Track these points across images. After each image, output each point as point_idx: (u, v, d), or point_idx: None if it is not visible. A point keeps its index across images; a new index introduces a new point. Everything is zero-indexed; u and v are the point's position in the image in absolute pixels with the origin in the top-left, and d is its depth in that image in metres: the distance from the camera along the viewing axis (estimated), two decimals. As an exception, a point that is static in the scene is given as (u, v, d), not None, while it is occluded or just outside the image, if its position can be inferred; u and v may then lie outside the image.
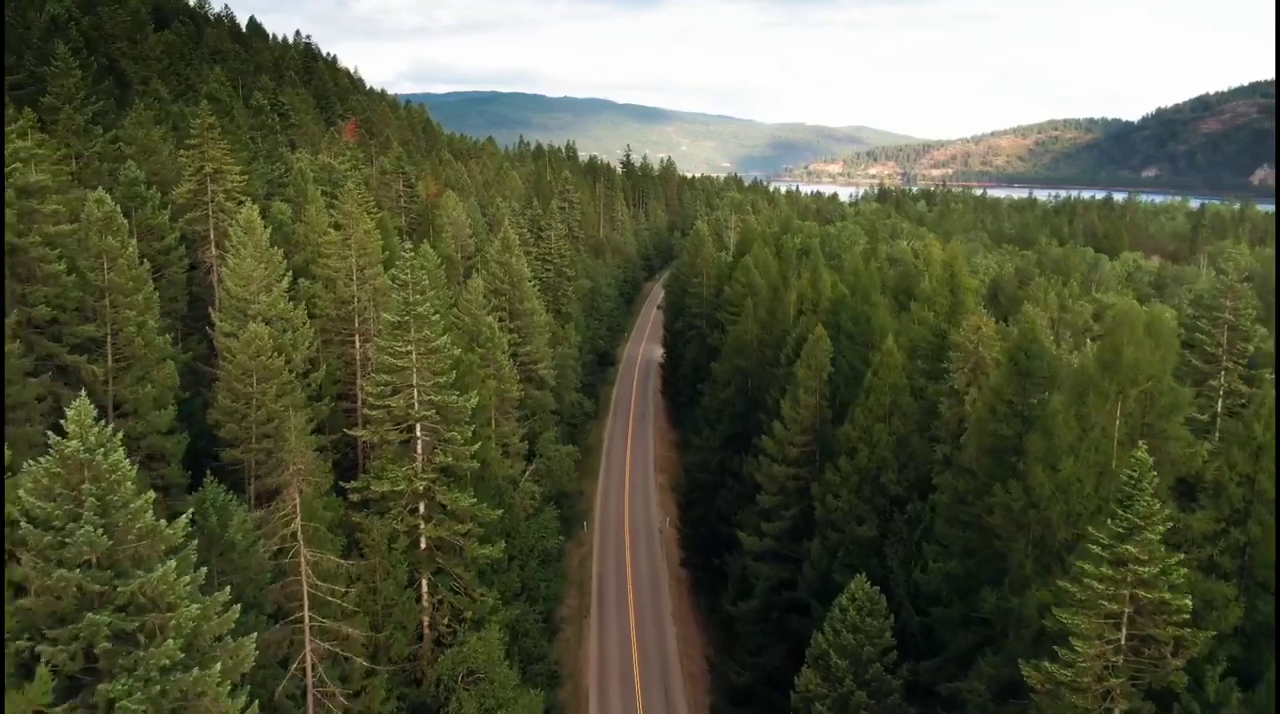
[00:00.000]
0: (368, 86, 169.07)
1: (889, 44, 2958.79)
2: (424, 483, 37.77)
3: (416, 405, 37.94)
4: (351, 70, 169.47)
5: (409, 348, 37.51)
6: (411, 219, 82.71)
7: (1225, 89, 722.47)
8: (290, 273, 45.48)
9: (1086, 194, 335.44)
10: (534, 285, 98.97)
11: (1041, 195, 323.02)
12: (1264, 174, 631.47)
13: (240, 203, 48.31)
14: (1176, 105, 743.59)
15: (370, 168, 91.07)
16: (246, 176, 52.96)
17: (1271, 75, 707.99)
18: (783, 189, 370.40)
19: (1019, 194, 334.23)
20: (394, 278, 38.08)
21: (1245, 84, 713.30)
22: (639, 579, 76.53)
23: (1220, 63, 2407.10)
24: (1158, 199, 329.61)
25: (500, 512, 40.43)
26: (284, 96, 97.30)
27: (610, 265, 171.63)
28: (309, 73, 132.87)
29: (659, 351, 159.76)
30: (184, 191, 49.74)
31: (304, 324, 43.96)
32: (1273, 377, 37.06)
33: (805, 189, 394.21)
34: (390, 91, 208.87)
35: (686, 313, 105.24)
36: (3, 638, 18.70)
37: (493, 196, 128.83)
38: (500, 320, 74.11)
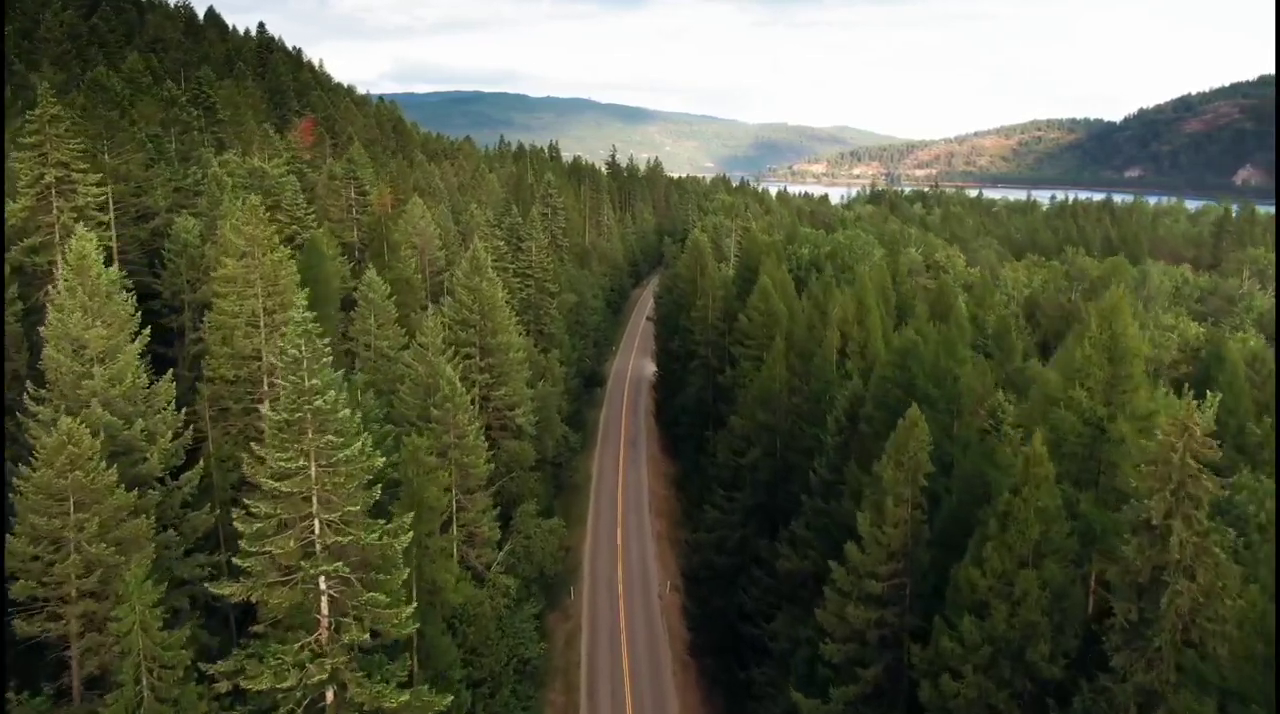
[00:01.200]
0: (334, 81, 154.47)
1: (873, 44, 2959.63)
2: (329, 669, 24.06)
3: (317, 549, 24.20)
4: (316, 64, 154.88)
5: (304, 461, 23.76)
6: (364, 233, 68.65)
7: (1207, 89, 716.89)
8: (140, 332, 31.31)
9: (1082, 195, 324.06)
10: (511, 308, 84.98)
11: (1032, 196, 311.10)
12: (1246, 174, 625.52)
13: (96, 223, 34.11)
14: (1158, 106, 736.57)
15: (320, 172, 76.81)
16: (105, 188, 38.68)
17: (1252, 76, 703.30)
18: (771, 190, 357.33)
19: (1015, 195, 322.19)
20: (284, 353, 24.14)
21: (1226, 85, 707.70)
22: (637, 666, 62.93)
23: (1204, 64, 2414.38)
24: (1151, 201, 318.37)
25: (450, 699, 26.60)
26: (220, 90, 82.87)
27: (596, 274, 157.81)
28: (264, 65, 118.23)
29: (650, 366, 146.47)
30: (19, 209, 35.61)
31: (168, 406, 29.93)
32: None
33: (792, 189, 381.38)
34: (373, 91, 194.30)
35: (685, 335, 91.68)
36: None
37: (468, 202, 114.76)
38: (468, 357, 60.26)
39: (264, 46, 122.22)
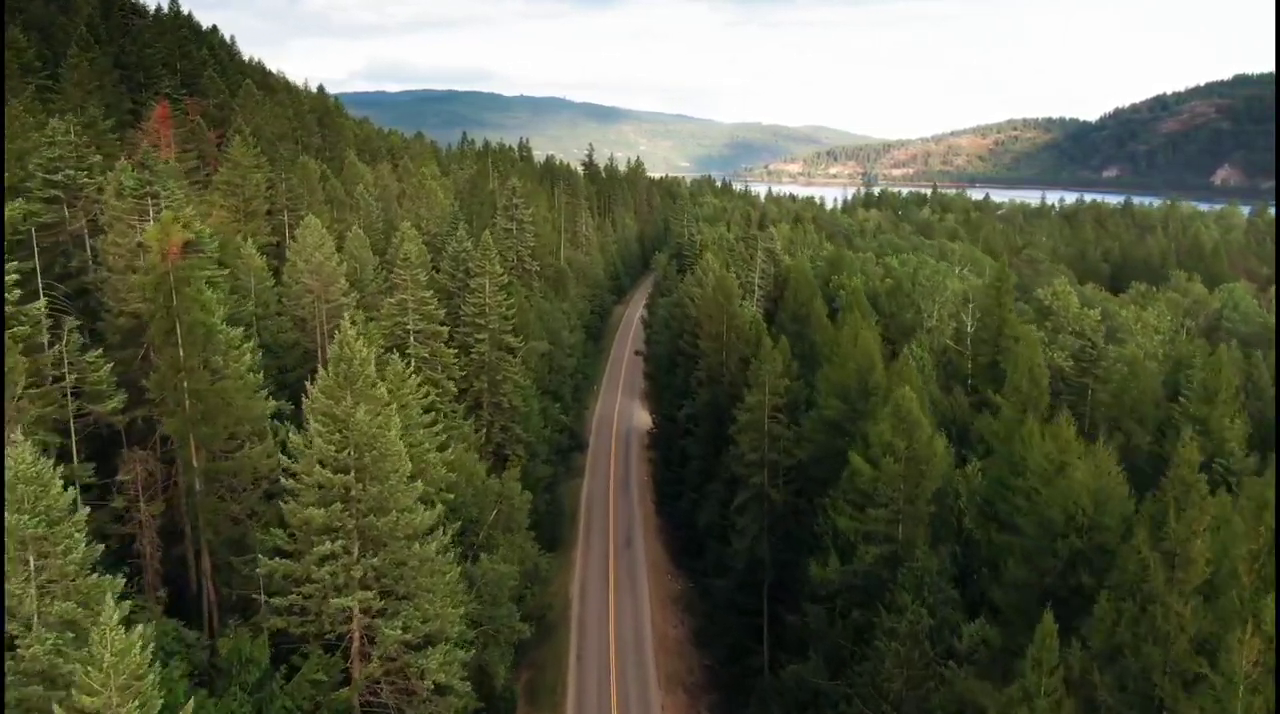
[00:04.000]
0: (246, 60, 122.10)
1: (846, 44, 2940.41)
2: None
3: None
4: (227, 39, 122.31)
5: None
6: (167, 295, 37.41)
7: (1182, 89, 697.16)
8: None
9: (1093, 197, 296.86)
10: (443, 398, 53.76)
11: (1045, 198, 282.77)
12: (1226, 174, 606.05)
13: None
14: (1134, 105, 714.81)
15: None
16: None
17: (1226, 76, 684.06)
18: (757, 191, 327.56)
19: (1025, 196, 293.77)
20: None
21: (1201, 84, 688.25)
22: None
23: (1172, 65, 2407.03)
24: (1155, 203, 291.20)
25: None
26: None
27: (575, 298, 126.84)
28: (126, 31, 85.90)
29: (640, 413, 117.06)
30: None
31: None
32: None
33: (763, 189, 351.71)
34: (344, 91, 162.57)
35: (710, 424, 61.63)
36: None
37: (405, 216, 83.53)
38: (331, 558, 29.37)
39: (126, 9, 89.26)
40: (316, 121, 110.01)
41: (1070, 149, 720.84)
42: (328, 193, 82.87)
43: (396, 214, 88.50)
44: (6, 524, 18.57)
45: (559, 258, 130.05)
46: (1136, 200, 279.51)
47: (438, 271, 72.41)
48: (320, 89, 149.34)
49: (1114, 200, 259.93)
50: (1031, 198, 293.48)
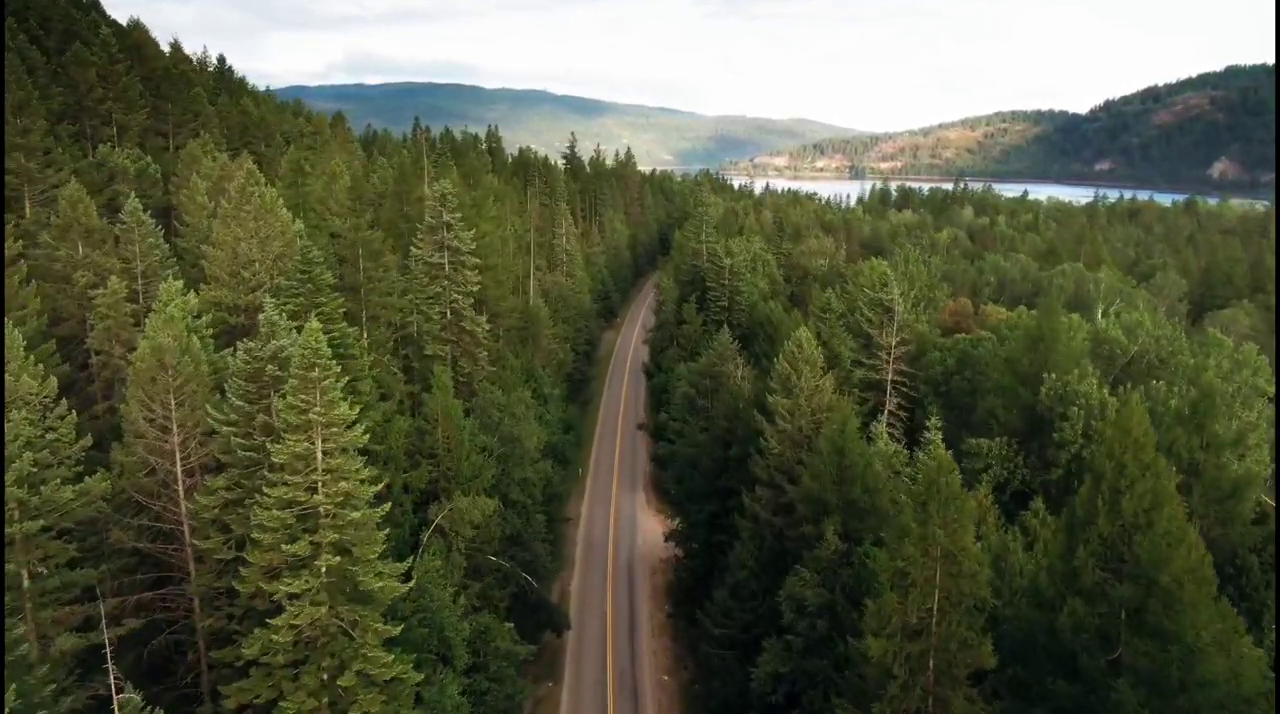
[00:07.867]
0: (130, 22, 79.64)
1: (827, 37, 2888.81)
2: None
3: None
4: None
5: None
6: None
7: (1174, 81, 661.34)
8: None
9: (1091, 190, 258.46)
10: None
11: (1101, 194, 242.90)
12: (1223, 167, 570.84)
13: None
14: (1125, 98, 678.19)
15: None
16: None
17: (1218, 68, 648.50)
18: (756, 187, 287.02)
19: (1018, 190, 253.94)
20: None
21: (1194, 76, 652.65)
22: None
23: (1158, 59, 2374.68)
24: (1163, 199, 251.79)
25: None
26: None
27: (550, 345, 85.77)
28: None
29: (642, 517, 77.93)
30: None
31: None
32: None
33: (756, 184, 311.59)
34: (323, 83, 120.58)
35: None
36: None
37: (216, 256, 42.20)
38: None
39: None
40: (145, 87, 67.71)
41: (1061, 142, 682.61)
42: (69, 215, 41.25)
43: (209, 253, 46.65)
44: None
45: (527, 292, 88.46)
46: (1136, 194, 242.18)
47: (222, 393, 31.15)
48: (236, 75, 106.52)
49: (1196, 199, 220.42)
50: (1058, 193, 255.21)
